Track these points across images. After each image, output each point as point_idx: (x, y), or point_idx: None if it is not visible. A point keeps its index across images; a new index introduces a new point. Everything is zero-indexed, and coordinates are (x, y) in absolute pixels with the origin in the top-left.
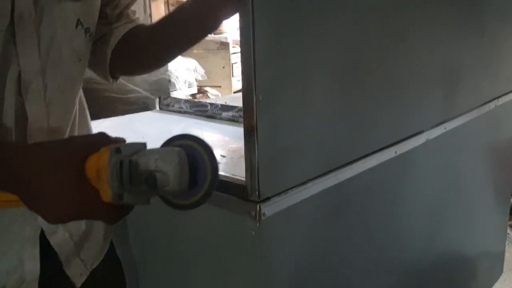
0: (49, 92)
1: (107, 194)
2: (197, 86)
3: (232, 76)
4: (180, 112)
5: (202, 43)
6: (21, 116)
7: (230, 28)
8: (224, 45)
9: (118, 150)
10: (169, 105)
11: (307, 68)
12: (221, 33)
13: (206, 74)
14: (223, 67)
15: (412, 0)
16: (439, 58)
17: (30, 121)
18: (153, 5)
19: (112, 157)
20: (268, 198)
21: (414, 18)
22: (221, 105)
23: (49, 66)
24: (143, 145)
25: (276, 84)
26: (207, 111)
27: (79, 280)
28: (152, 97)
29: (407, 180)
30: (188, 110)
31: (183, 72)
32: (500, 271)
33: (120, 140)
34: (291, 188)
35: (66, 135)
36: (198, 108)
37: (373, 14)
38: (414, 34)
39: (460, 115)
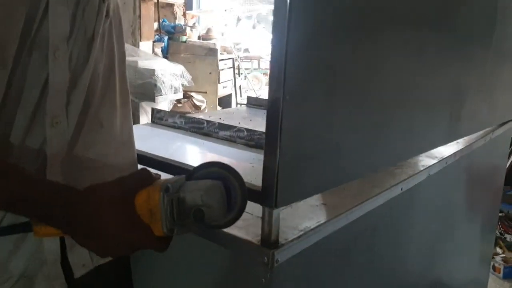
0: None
1: (160, 229)
2: (183, 91)
3: (219, 82)
4: (173, 127)
5: (190, 48)
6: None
7: (219, 34)
8: (212, 51)
9: (167, 189)
10: (162, 119)
11: (333, 77)
12: (210, 39)
13: (192, 80)
14: (210, 73)
15: (429, 32)
16: (446, 87)
17: (50, 95)
18: (142, 6)
19: (163, 197)
20: (282, 245)
21: (427, 51)
22: (218, 123)
23: (76, 31)
24: (183, 178)
25: (303, 86)
26: (203, 128)
27: (79, 271)
28: (136, 100)
29: (410, 215)
30: (183, 126)
31: (170, 77)
32: None
33: (158, 176)
34: (305, 231)
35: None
36: (193, 124)
37: (398, 40)
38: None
39: (460, 142)
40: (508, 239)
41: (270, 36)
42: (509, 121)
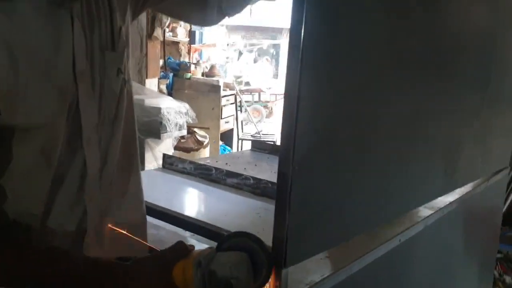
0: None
1: None
2: (186, 127)
3: (221, 117)
4: (183, 172)
5: (194, 85)
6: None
7: (222, 72)
8: (215, 88)
9: (199, 264)
10: (172, 164)
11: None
12: (213, 76)
13: (196, 116)
14: (213, 109)
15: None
16: (442, 140)
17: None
18: (149, 44)
19: (197, 271)
20: None
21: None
22: (226, 171)
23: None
24: (214, 250)
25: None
26: (211, 175)
27: None
28: (142, 137)
29: (408, 265)
30: (192, 172)
31: (175, 115)
32: None
33: (192, 248)
34: (310, 285)
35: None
36: (202, 171)
37: (395, 99)
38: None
39: (456, 192)
40: (507, 280)
41: (270, 69)
42: (504, 168)
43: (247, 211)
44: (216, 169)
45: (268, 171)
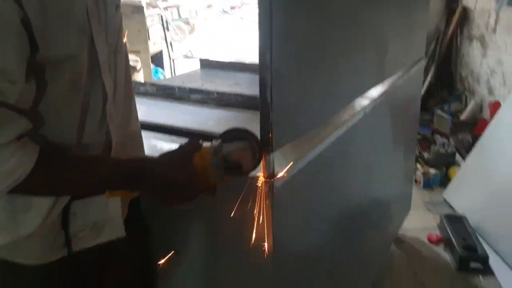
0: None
1: (213, 179)
2: None
3: (148, 39)
4: (146, 95)
5: None
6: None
7: None
8: (138, 9)
9: (215, 151)
10: (134, 88)
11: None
12: None
13: None
14: (139, 31)
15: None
16: (373, 41)
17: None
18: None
19: (214, 157)
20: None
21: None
22: (190, 88)
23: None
24: (221, 141)
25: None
26: (174, 94)
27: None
28: None
29: (355, 148)
30: (155, 93)
31: None
32: (409, 208)
33: (202, 143)
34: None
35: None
36: (165, 91)
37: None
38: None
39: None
40: (425, 156)
41: None
42: (421, 59)
43: (219, 121)
44: (179, 87)
45: (225, 85)
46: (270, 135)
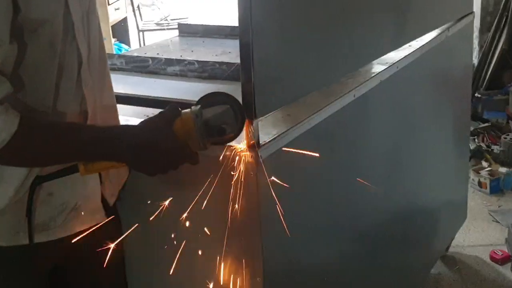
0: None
1: (196, 145)
2: None
3: (108, 3)
4: (112, 70)
5: None
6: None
7: None
8: None
9: (196, 116)
10: None
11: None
12: None
13: None
14: None
15: None
16: None
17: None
18: None
19: (196, 122)
20: (262, 145)
21: None
22: (166, 59)
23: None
24: (200, 107)
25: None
26: (148, 66)
27: (111, 199)
28: None
29: (365, 122)
30: (124, 67)
31: None
32: (463, 218)
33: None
34: (277, 134)
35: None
36: (136, 63)
37: None
38: None
39: (410, 45)
40: (495, 150)
41: None
42: (467, 14)
43: (200, 94)
44: (153, 58)
45: (209, 54)
46: (253, 97)
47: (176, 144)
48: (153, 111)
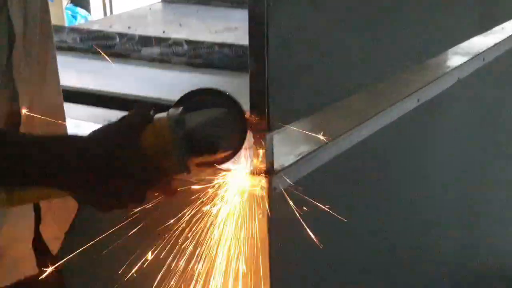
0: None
1: (174, 168)
2: None
3: None
4: (61, 49)
5: None
6: None
7: None
8: None
9: (176, 123)
10: None
11: None
12: None
13: None
14: None
15: None
16: None
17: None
18: None
19: (174, 132)
20: (278, 171)
21: None
22: (140, 36)
23: None
24: (182, 109)
25: None
26: (114, 46)
27: (55, 244)
28: None
29: (433, 138)
30: (78, 46)
31: None
32: None
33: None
34: (302, 156)
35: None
36: (97, 41)
37: None
38: None
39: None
40: None
41: None
42: None
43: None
44: (122, 35)
45: (205, 31)
46: (266, 100)
47: (144, 165)
48: (118, 114)
